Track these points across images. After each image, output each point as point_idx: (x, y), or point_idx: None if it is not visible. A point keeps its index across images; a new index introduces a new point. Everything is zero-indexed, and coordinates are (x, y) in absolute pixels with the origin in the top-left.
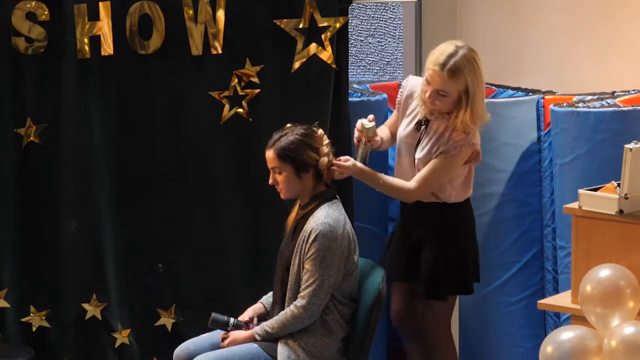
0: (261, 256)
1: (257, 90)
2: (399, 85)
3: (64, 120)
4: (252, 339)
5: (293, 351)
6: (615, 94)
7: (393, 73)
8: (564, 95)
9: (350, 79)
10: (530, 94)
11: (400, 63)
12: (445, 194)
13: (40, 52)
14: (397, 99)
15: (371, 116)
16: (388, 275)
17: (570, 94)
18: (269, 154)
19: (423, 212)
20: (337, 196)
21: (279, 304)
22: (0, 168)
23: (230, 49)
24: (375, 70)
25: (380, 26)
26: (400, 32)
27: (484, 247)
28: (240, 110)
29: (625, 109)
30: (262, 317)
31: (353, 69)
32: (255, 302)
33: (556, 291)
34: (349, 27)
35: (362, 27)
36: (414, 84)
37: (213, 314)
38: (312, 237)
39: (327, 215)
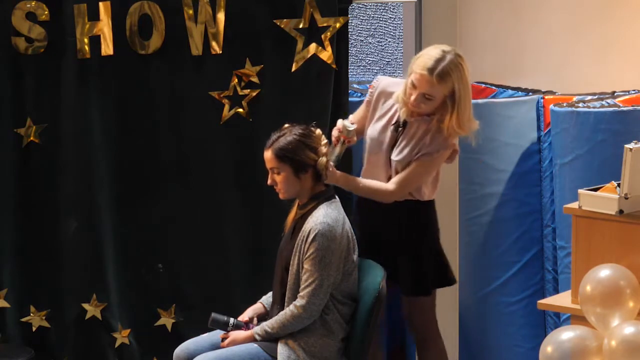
0: (261, 256)
1: (257, 90)
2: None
3: (64, 120)
4: (252, 339)
5: (293, 351)
6: (615, 94)
7: (393, 73)
8: (564, 95)
9: (350, 79)
10: (530, 94)
11: (400, 63)
12: (421, 192)
13: (40, 52)
14: (367, 98)
15: (352, 117)
16: None
17: (570, 94)
18: (267, 154)
19: (396, 212)
20: (336, 196)
21: (278, 304)
22: (0, 168)
23: (230, 49)
24: (375, 70)
25: (380, 26)
26: (400, 32)
27: (484, 247)
28: (240, 110)
29: (625, 109)
30: (262, 317)
31: (353, 69)
32: (255, 302)
33: (556, 291)
34: (349, 27)
35: (362, 27)
36: (385, 84)
37: (213, 314)
38: (311, 236)
39: (326, 215)
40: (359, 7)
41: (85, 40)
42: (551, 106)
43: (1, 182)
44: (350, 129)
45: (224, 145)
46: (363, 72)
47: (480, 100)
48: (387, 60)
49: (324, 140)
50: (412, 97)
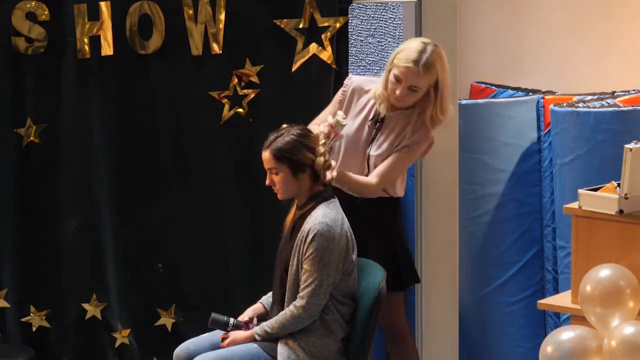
0: (261, 256)
1: (257, 90)
2: None
3: (64, 120)
4: (252, 339)
5: (293, 351)
6: (615, 94)
7: None
8: (564, 95)
9: None
10: (530, 94)
11: None
12: (395, 188)
13: (40, 52)
14: (340, 98)
15: (341, 112)
16: None
17: (570, 94)
18: (265, 155)
19: (371, 209)
20: (335, 195)
21: (278, 304)
22: (0, 168)
23: (230, 49)
24: (375, 70)
25: (380, 26)
26: (400, 32)
27: (484, 247)
28: (240, 110)
29: (625, 109)
30: (262, 317)
31: (353, 69)
32: (255, 302)
33: (556, 291)
34: (349, 27)
35: (362, 27)
36: (359, 82)
37: (213, 314)
38: (309, 237)
39: (325, 215)
40: (359, 7)
41: (85, 40)
42: (551, 106)
43: (1, 182)
44: (343, 124)
45: (224, 145)
46: (363, 72)
47: (480, 100)
48: (387, 60)
49: (322, 140)
50: (398, 91)
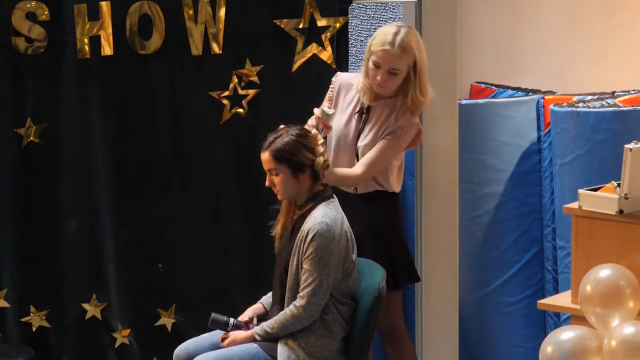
0: (261, 256)
1: (257, 90)
2: None
3: (64, 120)
4: (252, 339)
5: (293, 351)
6: (615, 94)
7: None
8: (564, 95)
9: None
10: (530, 94)
11: None
12: (388, 180)
13: (40, 52)
14: (329, 95)
15: (326, 103)
16: None
17: (570, 94)
18: (265, 155)
19: (367, 205)
20: (334, 195)
21: (278, 304)
22: (0, 168)
23: (230, 49)
24: None
25: (380, 26)
26: None
27: (484, 247)
28: (240, 110)
29: (625, 109)
30: (262, 317)
31: (353, 69)
32: (255, 302)
33: (556, 291)
34: (349, 27)
35: (362, 27)
36: (345, 78)
37: (213, 314)
38: (309, 237)
39: (325, 215)
40: (359, 7)
41: (85, 40)
42: (551, 106)
43: (1, 182)
44: (329, 113)
45: (224, 145)
46: None
47: (480, 100)
48: None
49: (321, 140)
50: (379, 77)
